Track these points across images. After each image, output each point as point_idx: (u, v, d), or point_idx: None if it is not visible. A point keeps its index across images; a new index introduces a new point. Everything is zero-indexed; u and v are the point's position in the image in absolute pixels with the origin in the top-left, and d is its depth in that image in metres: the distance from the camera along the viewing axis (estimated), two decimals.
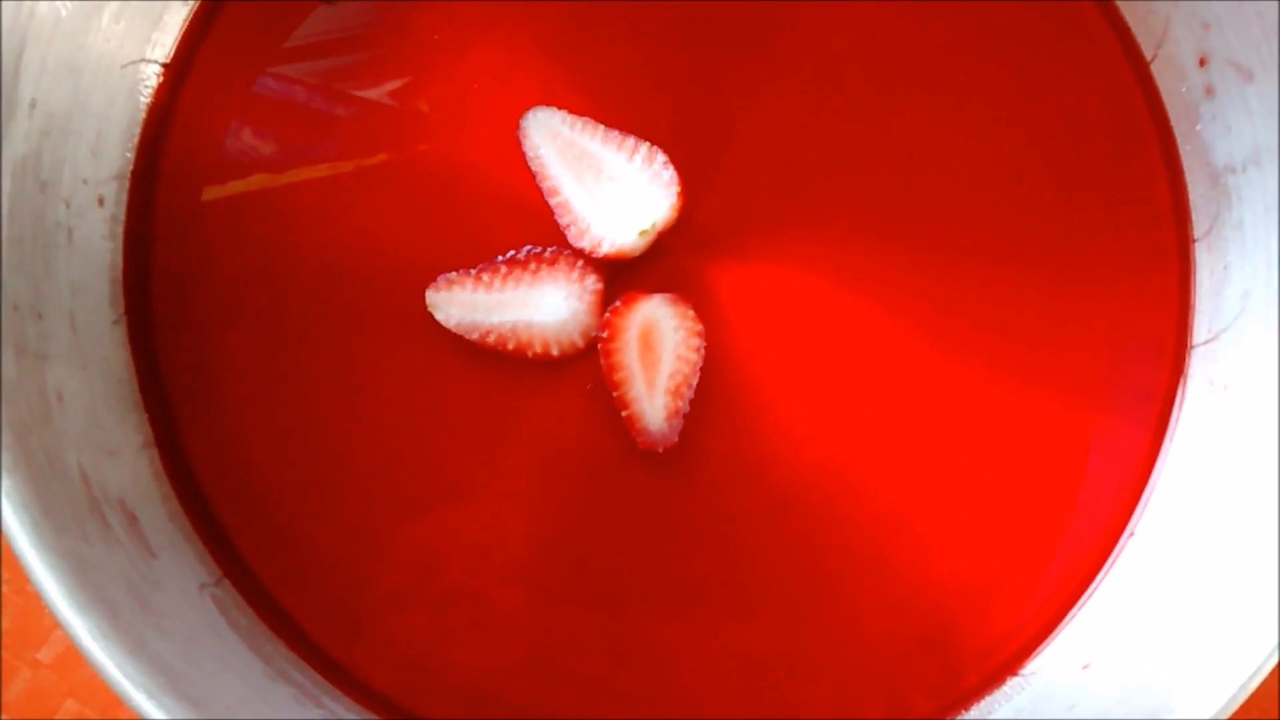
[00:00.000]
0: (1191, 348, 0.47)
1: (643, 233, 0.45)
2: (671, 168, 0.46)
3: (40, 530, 0.36)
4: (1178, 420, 0.47)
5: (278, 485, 0.46)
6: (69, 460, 0.40)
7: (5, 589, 0.51)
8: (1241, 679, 0.36)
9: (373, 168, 0.47)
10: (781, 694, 0.45)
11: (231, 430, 0.46)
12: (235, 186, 0.48)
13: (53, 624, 0.40)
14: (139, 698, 0.35)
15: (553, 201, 0.46)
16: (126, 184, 0.47)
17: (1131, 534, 0.46)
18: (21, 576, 0.39)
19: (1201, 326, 0.47)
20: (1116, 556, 0.46)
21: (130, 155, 0.47)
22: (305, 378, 0.46)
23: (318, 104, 0.48)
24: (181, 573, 0.42)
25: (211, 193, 0.48)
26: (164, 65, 0.48)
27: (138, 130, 0.47)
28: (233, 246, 0.47)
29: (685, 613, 0.45)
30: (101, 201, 0.46)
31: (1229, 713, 0.35)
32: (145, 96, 0.47)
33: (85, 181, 0.45)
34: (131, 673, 0.35)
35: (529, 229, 0.46)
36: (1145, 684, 0.40)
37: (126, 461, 0.43)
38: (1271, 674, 0.46)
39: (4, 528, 0.36)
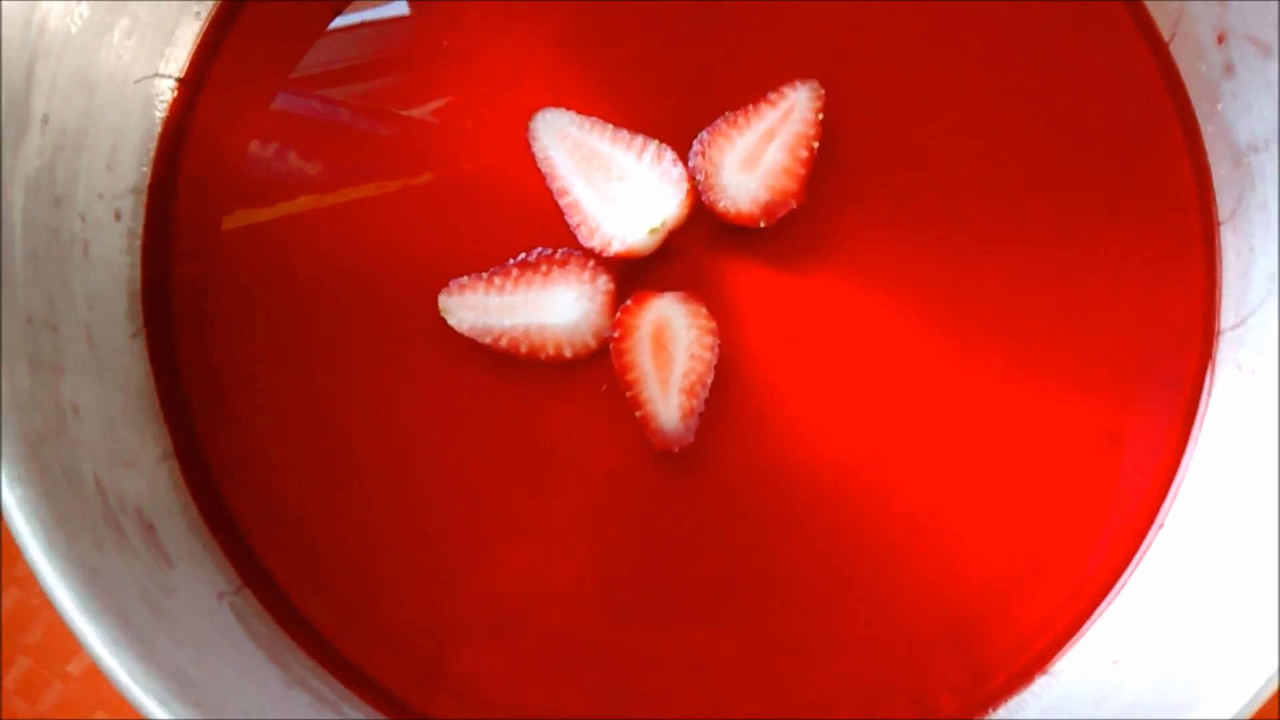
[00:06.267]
0: (1219, 333, 0.46)
1: (653, 230, 0.45)
2: (681, 165, 0.45)
3: (52, 539, 0.36)
4: (1206, 408, 0.45)
5: (298, 494, 0.46)
6: (84, 470, 0.40)
7: (35, 603, 0.51)
8: (1269, 672, 0.34)
9: (385, 174, 0.48)
10: (806, 695, 0.44)
11: (252, 441, 0.46)
12: (251, 198, 0.48)
13: None
14: (150, 704, 0.35)
15: (562, 202, 0.46)
16: (144, 198, 0.47)
17: (1161, 525, 0.45)
18: None
19: (1229, 311, 0.46)
20: (1146, 549, 0.45)
21: (146, 169, 0.47)
22: (323, 387, 0.46)
23: (331, 114, 0.49)
24: (199, 581, 0.43)
25: (229, 205, 0.48)
26: (178, 80, 0.48)
27: (154, 144, 0.48)
28: (250, 257, 0.47)
29: (707, 615, 0.45)
30: (118, 215, 0.46)
31: (1254, 708, 0.34)
32: (160, 111, 0.48)
33: (101, 196, 0.45)
34: (141, 679, 0.35)
35: (540, 231, 0.46)
36: (1174, 679, 0.38)
37: (144, 472, 0.44)
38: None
39: (16, 537, 0.36)
